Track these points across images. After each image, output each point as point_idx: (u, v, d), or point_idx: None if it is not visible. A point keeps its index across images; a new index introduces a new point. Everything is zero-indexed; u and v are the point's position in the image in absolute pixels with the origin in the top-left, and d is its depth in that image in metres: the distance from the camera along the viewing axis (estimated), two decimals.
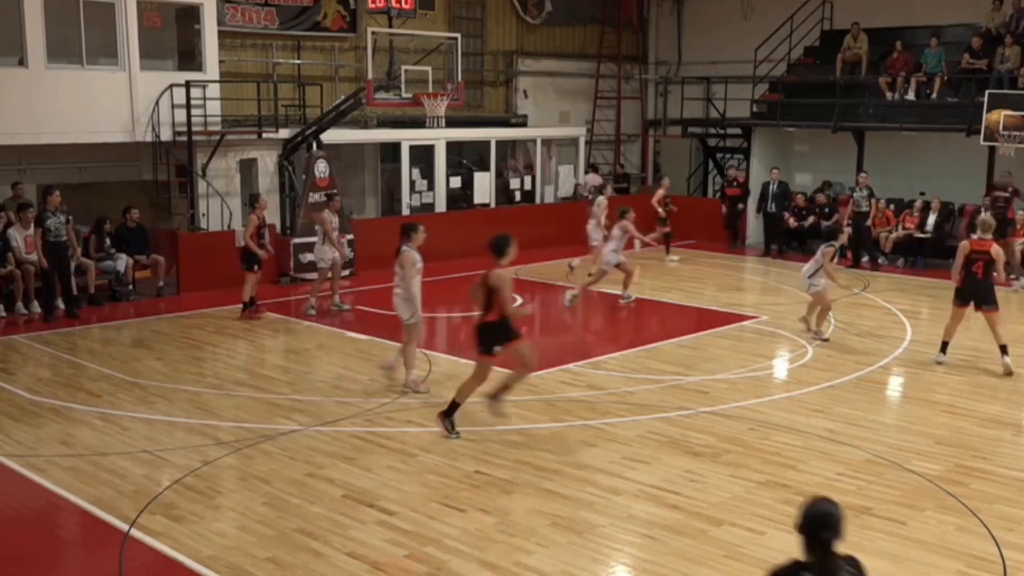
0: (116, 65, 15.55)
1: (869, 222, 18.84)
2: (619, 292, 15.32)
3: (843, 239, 13.10)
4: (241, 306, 14.11)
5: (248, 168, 17.71)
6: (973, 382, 11.18)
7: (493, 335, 8.88)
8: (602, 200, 17.27)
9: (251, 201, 14.40)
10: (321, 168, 17.16)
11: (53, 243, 13.90)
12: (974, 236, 11.85)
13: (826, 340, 12.63)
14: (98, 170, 16.34)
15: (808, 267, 12.78)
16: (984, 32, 19.33)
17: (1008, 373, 11.22)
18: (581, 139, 23.00)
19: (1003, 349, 11.37)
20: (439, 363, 11.73)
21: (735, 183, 21.34)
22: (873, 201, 18.89)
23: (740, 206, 21.18)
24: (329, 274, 14.70)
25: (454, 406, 9.06)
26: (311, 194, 17.01)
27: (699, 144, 24.07)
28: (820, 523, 4.07)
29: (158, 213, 17.01)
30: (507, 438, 9.08)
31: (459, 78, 17.19)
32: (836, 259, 12.99)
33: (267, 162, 17.73)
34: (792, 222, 20.28)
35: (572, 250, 18.80)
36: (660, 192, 19.32)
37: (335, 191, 15.29)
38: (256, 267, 14.02)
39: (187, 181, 16.48)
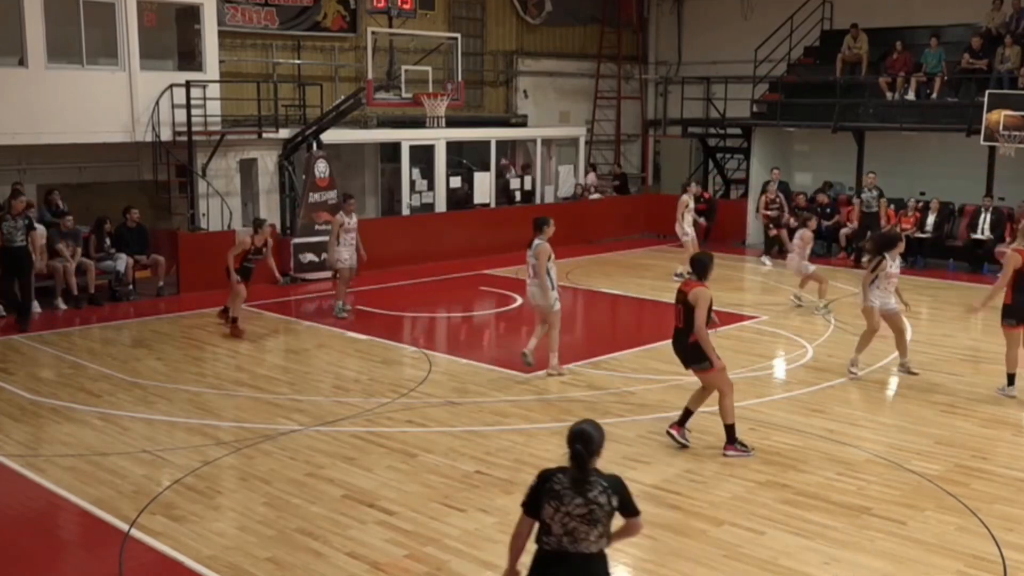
0: (116, 65, 15.54)
1: (882, 222, 18.53)
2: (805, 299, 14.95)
3: (901, 247, 11.50)
4: (222, 308, 13.53)
5: (248, 168, 17.71)
6: (973, 382, 11.17)
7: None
8: (685, 198, 17.14)
9: (254, 225, 13.62)
10: (321, 168, 17.17)
11: (8, 249, 13.11)
12: (1015, 245, 10.78)
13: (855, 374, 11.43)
14: (98, 170, 16.34)
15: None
16: (984, 32, 19.34)
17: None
18: (581, 139, 23.01)
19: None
20: (439, 363, 11.72)
21: (701, 199, 21.28)
22: (882, 202, 18.75)
23: (702, 220, 20.79)
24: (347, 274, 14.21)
25: (730, 429, 8.72)
26: (311, 194, 17.01)
27: (699, 144, 24.07)
28: (577, 439, 4.50)
29: (158, 213, 17.01)
30: (507, 438, 9.08)
31: (459, 78, 17.20)
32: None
33: (267, 162, 17.73)
34: (792, 222, 20.27)
35: (572, 250, 18.79)
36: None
37: (351, 194, 14.85)
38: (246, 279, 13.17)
39: (187, 181, 16.47)
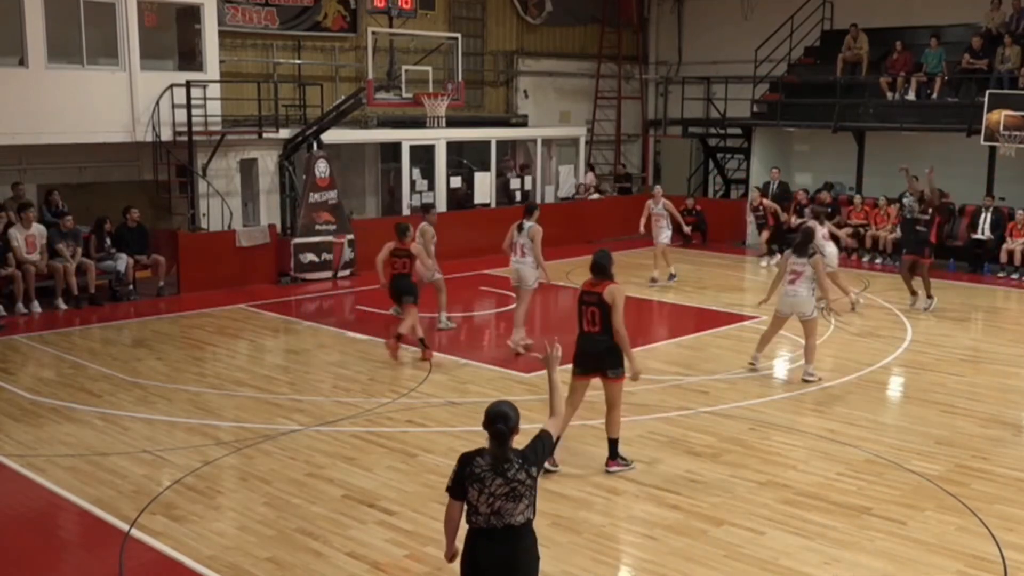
0: (116, 65, 15.54)
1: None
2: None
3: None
4: (395, 334, 12.09)
5: (248, 168, 17.72)
6: (973, 382, 11.17)
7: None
8: (650, 203, 17.03)
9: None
10: (321, 168, 17.17)
11: None
12: None
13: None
14: (98, 170, 16.34)
15: (802, 291, 11.06)
16: (984, 32, 19.34)
17: None
18: (581, 139, 23.02)
19: None
20: (439, 363, 11.72)
21: (693, 211, 21.27)
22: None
23: (689, 230, 20.63)
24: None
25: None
26: (312, 194, 17.01)
27: (699, 144, 24.07)
28: (498, 419, 4.67)
29: (158, 213, 17.01)
30: None
31: (459, 78, 17.19)
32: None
33: (267, 162, 17.74)
34: (794, 220, 20.29)
35: (572, 250, 18.77)
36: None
37: (432, 204, 14.13)
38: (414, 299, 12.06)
39: (187, 181, 16.48)
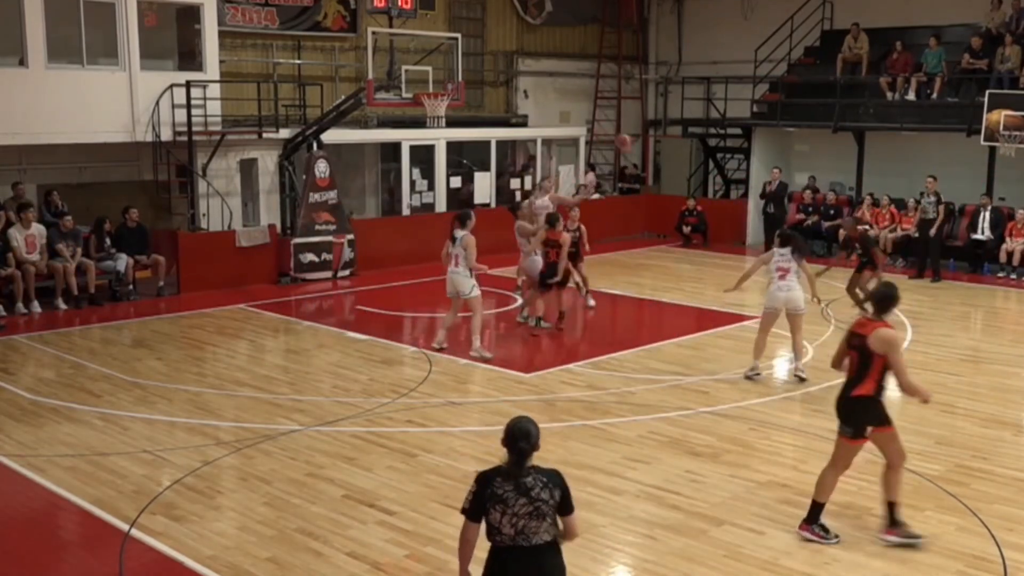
0: (116, 65, 15.53)
1: (934, 230, 17.74)
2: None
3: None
4: (532, 319, 13.35)
5: (248, 168, 17.72)
6: (973, 382, 11.17)
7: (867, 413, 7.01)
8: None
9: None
10: (321, 168, 17.17)
11: None
12: None
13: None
14: (98, 170, 16.34)
15: (795, 285, 11.07)
16: (984, 32, 19.33)
17: None
18: (581, 139, 23.00)
19: None
20: (439, 363, 11.72)
21: (694, 212, 21.34)
22: (941, 208, 17.86)
23: (688, 229, 20.62)
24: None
25: (816, 508, 7.08)
26: (312, 194, 17.01)
27: (699, 144, 24.07)
28: (521, 436, 4.56)
29: (158, 213, 17.00)
30: None
31: (459, 78, 17.18)
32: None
33: (267, 162, 17.74)
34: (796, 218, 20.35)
35: None
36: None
37: (521, 203, 14.05)
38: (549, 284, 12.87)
39: (187, 181, 16.48)
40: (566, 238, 13.00)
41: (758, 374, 11.15)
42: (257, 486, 7.93)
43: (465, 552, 4.72)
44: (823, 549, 6.86)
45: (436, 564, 6.57)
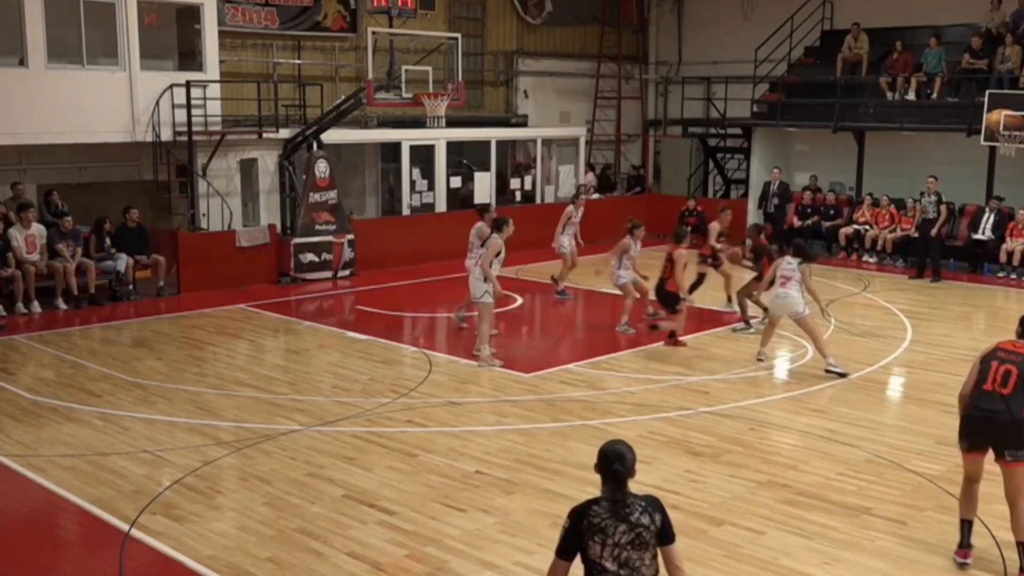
0: (116, 65, 15.53)
1: (935, 230, 17.76)
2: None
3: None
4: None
5: (248, 168, 17.72)
6: None
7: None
8: (570, 209, 16.10)
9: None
10: (321, 168, 17.17)
11: None
12: None
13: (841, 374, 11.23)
14: (98, 170, 16.34)
15: (793, 293, 11.27)
16: (984, 32, 19.33)
17: None
18: (581, 139, 23.00)
19: None
20: (439, 363, 11.73)
21: (695, 212, 21.32)
22: (943, 207, 17.91)
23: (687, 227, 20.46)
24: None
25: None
26: (312, 194, 17.01)
27: (699, 144, 24.07)
28: (616, 459, 4.32)
29: (158, 213, 17.00)
30: (507, 438, 9.08)
31: (459, 78, 17.18)
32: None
33: (267, 162, 17.74)
34: (796, 220, 20.32)
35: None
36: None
37: (638, 221, 14.02)
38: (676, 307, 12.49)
39: (187, 181, 16.48)
40: (681, 254, 12.37)
41: (761, 360, 11.66)
42: (257, 486, 7.93)
43: None
44: (823, 549, 6.87)
45: (436, 564, 6.57)
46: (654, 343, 12.79)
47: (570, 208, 15.69)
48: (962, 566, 6.64)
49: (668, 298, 12.50)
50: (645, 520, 4.23)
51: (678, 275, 12.28)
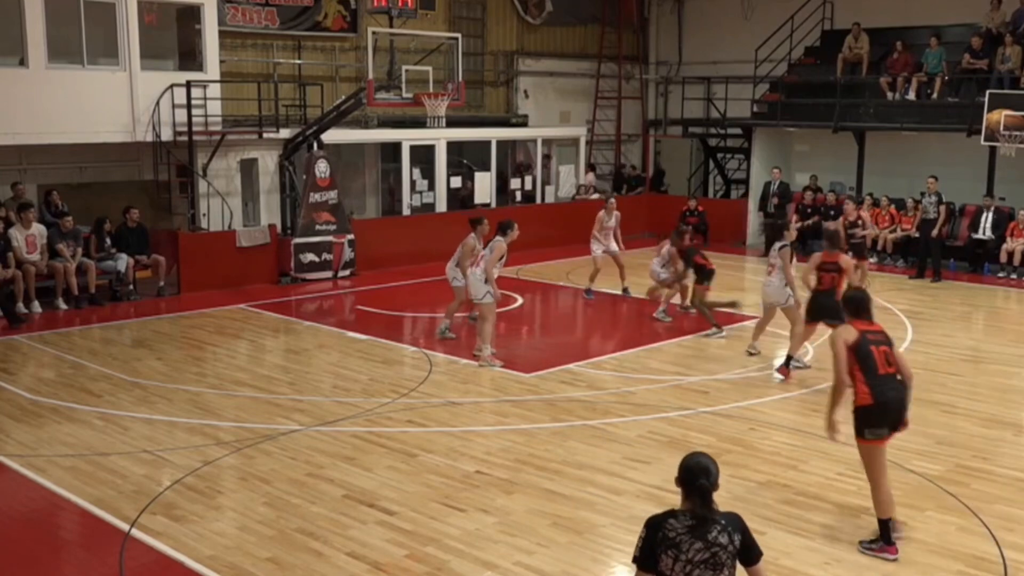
0: (116, 65, 15.53)
1: (935, 230, 17.73)
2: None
3: (792, 235, 11.73)
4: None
5: (249, 168, 17.72)
6: (973, 382, 11.17)
7: None
8: (602, 214, 15.99)
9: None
10: (322, 168, 17.17)
11: None
12: None
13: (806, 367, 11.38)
14: (98, 170, 16.34)
15: (775, 281, 11.25)
16: (984, 32, 19.33)
17: None
18: (581, 139, 23.02)
19: None
20: (439, 363, 11.73)
21: (696, 212, 21.37)
22: (943, 208, 17.88)
23: (687, 227, 20.54)
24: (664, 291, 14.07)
25: None
26: (312, 194, 17.01)
27: (700, 144, 24.06)
28: (701, 473, 4.10)
29: (158, 213, 17.00)
30: (507, 438, 9.08)
31: (459, 78, 17.18)
32: (794, 260, 11.51)
33: (268, 162, 17.74)
34: (795, 221, 20.31)
35: (572, 250, 18.78)
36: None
37: (687, 228, 13.99)
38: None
39: (187, 181, 16.48)
40: (847, 261, 10.90)
41: (751, 354, 11.89)
42: (257, 486, 7.93)
43: None
44: (823, 549, 6.87)
45: (436, 564, 6.57)
46: (654, 343, 12.80)
47: (601, 214, 15.76)
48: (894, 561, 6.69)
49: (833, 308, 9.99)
50: (723, 540, 4.04)
51: (853, 280, 10.95)
